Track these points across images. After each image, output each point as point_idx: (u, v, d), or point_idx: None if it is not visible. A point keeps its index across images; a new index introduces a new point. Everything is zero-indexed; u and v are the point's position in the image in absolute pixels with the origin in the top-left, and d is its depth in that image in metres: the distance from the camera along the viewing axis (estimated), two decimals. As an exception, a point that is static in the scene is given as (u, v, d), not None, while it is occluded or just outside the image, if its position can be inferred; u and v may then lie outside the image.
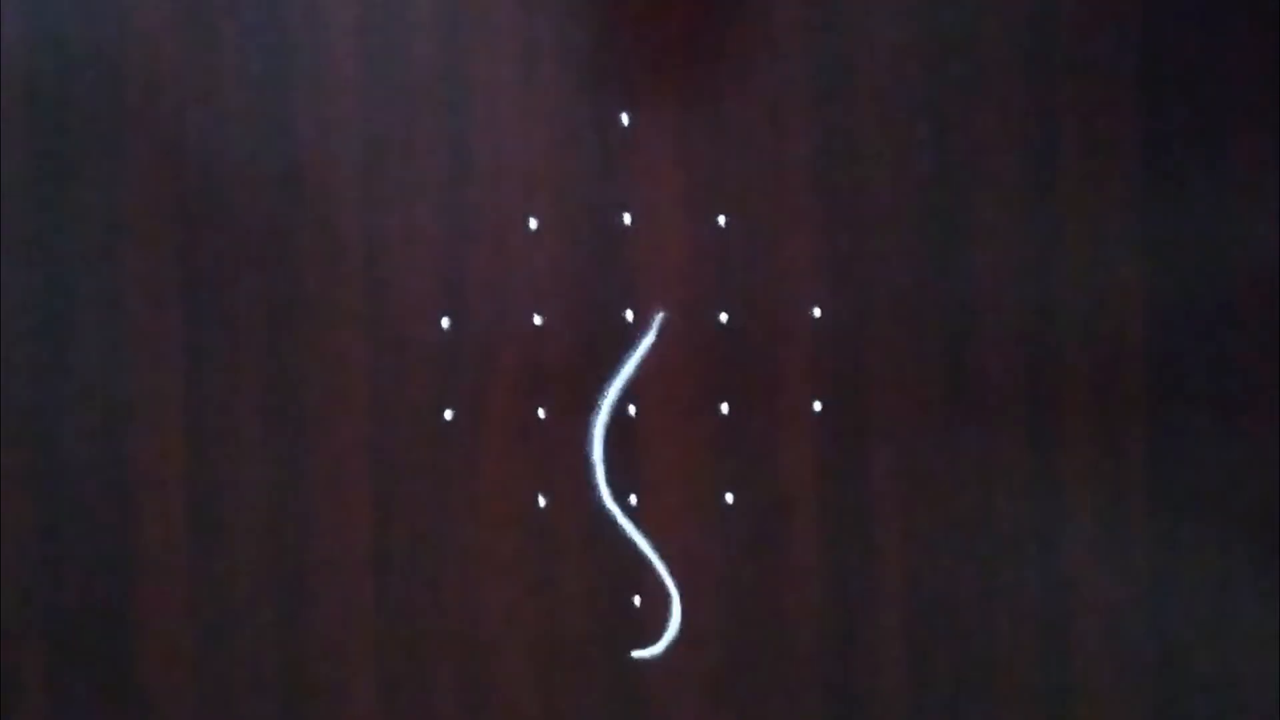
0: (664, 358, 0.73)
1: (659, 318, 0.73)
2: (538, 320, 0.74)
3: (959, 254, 0.72)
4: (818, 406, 0.73)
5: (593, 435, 0.73)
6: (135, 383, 0.75)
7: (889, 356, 0.72)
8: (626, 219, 0.73)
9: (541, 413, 0.74)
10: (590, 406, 0.73)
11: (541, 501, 0.74)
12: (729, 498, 0.73)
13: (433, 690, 0.75)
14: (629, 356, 0.73)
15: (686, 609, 0.74)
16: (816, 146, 0.72)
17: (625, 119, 0.72)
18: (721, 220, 0.73)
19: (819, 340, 0.73)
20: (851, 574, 0.73)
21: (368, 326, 0.74)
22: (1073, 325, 0.72)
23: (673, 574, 0.74)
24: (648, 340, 0.73)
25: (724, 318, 0.73)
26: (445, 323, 0.74)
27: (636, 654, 0.74)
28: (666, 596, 0.74)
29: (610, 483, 0.74)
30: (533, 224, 0.73)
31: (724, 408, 0.73)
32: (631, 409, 0.73)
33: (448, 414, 0.74)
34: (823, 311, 0.73)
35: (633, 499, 0.74)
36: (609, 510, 0.74)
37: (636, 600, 0.74)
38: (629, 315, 0.73)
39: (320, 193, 0.74)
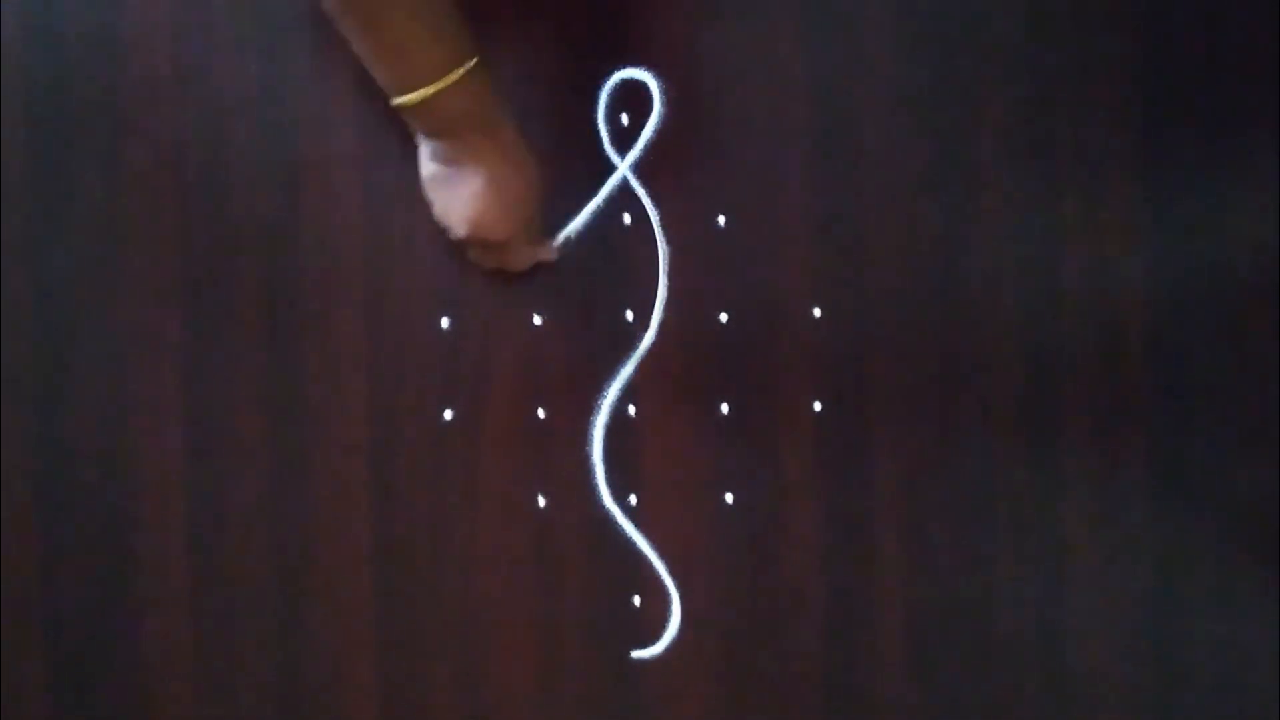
0: (664, 358, 0.73)
1: (659, 318, 0.73)
2: (538, 320, 0.74)
3: (959, 254, 0.72)
4: (818, 406, 0.73)
5: (593, 435, 0.73)
6: (135, 383, 0.75)
7: (889, 356, 0.72)
8: (626, 219, 0.73)
9: (541, 413, 0.74)
10: (590, 406, 0.73)
11: (541, 501, 0.74)
12: (729, 498, 0.73)
13: (432, 689, 0.75)
14: (629, 356, 0.73)
15: (686, 609, 0.74)
16: (816, 147, 0.72)
17: (625, 119, 0.72)
18: (721, 220, 0.73)
19: (819, 340, 0.73)
20: (851, 574, 0.73)
21: (368, 326, 0.74)
22: (1073, 325, 0.72)
23: (673, 574, 0.74)
24: (648, 340, 0.73)
25: (724, 318, 0.73)
26: (445, 323, 0.74)
27: (636, 654, 0.74)
28: (666, 596, 0.74)
29: (610, 483, 0.74)
30: (533, 224, 0.73)
31: (724, 408, 0.73)
32: (631, 409, 0.73)
33: (448, 414, 0.74)
34: (823, 311, 0.73)
35: (633, 499, 0.74)
36: (609, 510, 0.74)
37: (636, 600, 0.74)
38: (629, 315, 0.73)
39: (320, 193, 0.74)
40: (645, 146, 0.72)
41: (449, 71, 0.64)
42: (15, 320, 0.76)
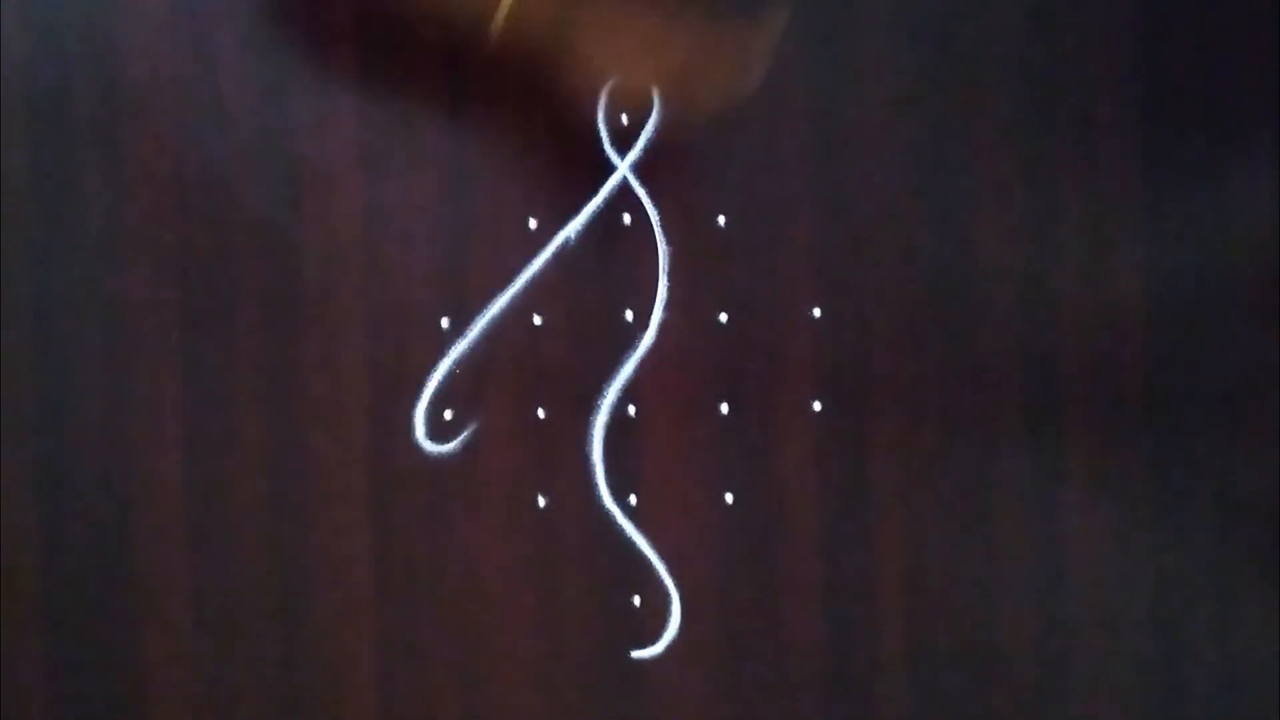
0: (664, 358, 0.73)
1: (659, 318, 0.73)
2: (538, 320, 0.74)
3: (959, 254, 0.72)
4: (818, 406, 0.73)
5: (593, 435, 0.73)
6: (134, 384, 0.75)
7: (889, 356, 0.72)
8: (626, 219, 0.73)
9: (541, 413, 0.74)
10: (590, 406, 0.73)
11: (541, 501, 0.74)
12: (729, 498, 0.73)
13: (432, 689, 0.75)
14: (629, 356, 0.73)
15: (686, 609, 0.74)
16: (816, 146, 0.72)
17: (625, 119, 0.72)
18: (721, 220, 0.73)
19: (819, 340, 0.73)
20: (851, 574, 0.73)
21: (368, 326, 0.74)
22: (1073, 325, 0.72)
23: (673, 574, 0.74)
24: (648, 340, 0.73)
25: (724, 318, 0.73)
26: (445, 323, 0.74)
27: (636, 654, 0.74)
28: (666, 596, 0.74)
29: (610, 483, 0.74)
30: (532, 224, 0.73)
31: (724, 408, 0.73)
32: (631, 409, 0.73)
33: (448, 414, 0.74)
34: (823, 311, 0.73)
35: (633, 499, 0.74)
36: (609, 510, 0.74)
37: (636, 600, 0.74)
38: (629, 315, 0.73)
39: (320, 193, 0.74)
40: (645, 146, 0.72)
41: None
42: (15, 321, 0.76)
